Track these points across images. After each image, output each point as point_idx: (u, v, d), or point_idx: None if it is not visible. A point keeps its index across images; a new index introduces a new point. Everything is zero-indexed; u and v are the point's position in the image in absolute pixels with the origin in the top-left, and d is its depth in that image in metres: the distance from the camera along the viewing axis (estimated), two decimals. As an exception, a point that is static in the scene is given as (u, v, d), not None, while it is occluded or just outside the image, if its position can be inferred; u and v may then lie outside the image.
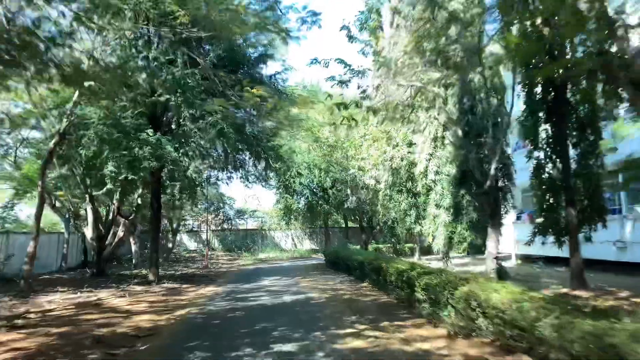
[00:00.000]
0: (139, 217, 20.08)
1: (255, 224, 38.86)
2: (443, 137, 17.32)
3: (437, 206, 17.01)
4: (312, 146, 20.34)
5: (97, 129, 11.76)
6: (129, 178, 11.95)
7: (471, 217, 13.16)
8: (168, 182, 14.58)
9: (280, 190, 28.86)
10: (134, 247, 22.38)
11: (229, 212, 37.34)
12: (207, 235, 29.23)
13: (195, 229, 37.14)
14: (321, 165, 20.04)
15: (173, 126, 13.89)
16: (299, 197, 29.53)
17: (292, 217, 32.60)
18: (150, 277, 14.79)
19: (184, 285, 14.39)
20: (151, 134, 12.78)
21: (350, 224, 38.71)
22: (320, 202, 29.82)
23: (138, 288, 13.72)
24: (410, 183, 20.07)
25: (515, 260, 19.18)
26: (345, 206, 32.26)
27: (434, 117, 17.04)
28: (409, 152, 19.63)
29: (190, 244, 36.21)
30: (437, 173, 17.09)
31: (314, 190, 30.76)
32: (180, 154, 13.38)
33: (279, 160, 15.87)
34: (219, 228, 36.90)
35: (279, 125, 15.85)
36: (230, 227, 37.07)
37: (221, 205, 36.94)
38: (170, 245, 28.01)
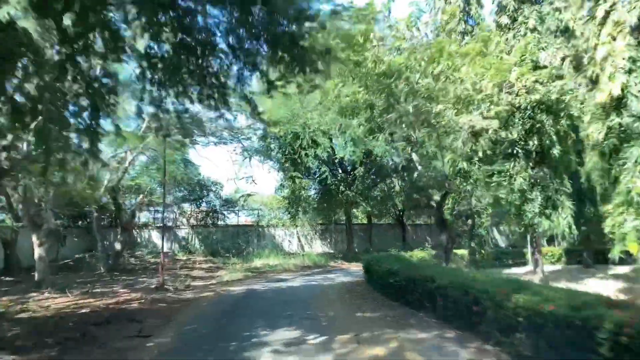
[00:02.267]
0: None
1: (249, 220, 29.45)
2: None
3: (647, 174, 7.78)
4: (352, 74, 10.92)
5: None
6: None
7: None
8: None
9: (286, 165, 19.45)
10: (37, 252, 12.99)
11: (215, 201, 27.96)
12: (163, 234, 19.67)
13: (170, 224, 27.77)
14: (375, 102, 10.61)
15: None
16: (312, 178, 20.26)
17: (300, 208, 23.31)
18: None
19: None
20: None
21: (372, 220, 29.39)
22: (341, 186, 20.57)
23: None
24: (534, 140, 10.83)
25: None
26: (376, 193, 23.07)
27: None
28: (536, 82, 10.37)
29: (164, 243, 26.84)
30: (649, 100, 7.83)
31: (333, 170, 21.47)
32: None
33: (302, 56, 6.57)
34: (201, 223, 27.54)
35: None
36: (215, 221, 27.70)
37: (204, 192, 27.61)
38: (118, 246, 18.51)
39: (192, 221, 27.70)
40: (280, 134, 18.03)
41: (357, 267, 19.59)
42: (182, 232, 27.02)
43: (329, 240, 27.78)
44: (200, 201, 27.60)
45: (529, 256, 16.20)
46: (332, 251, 27.17)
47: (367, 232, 28.38)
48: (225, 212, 28.09)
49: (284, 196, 24.11)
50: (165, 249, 26.90)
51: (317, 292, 11.71)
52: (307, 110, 17.69)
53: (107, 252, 18.15)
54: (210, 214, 27.72)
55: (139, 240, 26.78)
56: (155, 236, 27.15)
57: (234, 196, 27.95)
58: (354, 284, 12.87)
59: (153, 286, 13.07)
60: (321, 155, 18.15)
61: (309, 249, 27.11)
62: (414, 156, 11.94)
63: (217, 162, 59.11)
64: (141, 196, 20.37)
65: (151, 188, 22.82)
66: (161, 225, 27.95)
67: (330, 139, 18.22)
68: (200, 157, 51.70)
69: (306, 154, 18.19)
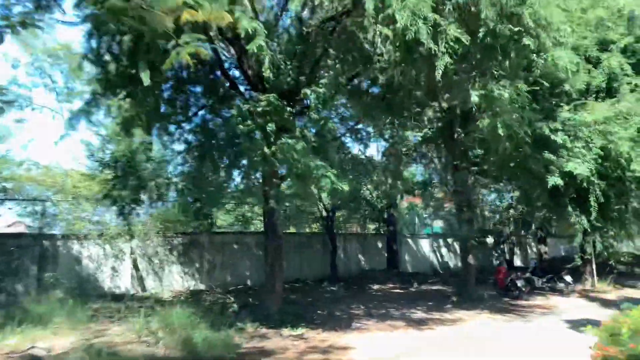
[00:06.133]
0: None
1: (23, 225, 13.72)
2: None
3: None
4: None
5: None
6: None
7: None
8: None
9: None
10: None
11: None
12: None
13: None
14: None
15: None
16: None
17: (146, 190, 9.69)
18: None
19: None
20: None
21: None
22: (267, 125, 7.87)
23: None
24: None
25: None
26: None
27: None
28: None
29: None
30: None
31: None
32: None
33: None
34: None
35: None
36: None
37: None
38: None
39: None
40: None
41: None
42: None
43: (197, 264, 14.35)
44: None
45: None
46: (203, 286, 14.01)
47: (265, 249, 15.79)
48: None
49: (105, 161, 10.11)
50: None
51: None
52: None
53: None
54: None
55: None
56: None
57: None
58: None
59: None
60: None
61: (155, 284, 13.30)
62: None
63: None
64: None
65: None
66: None
67: None
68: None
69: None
